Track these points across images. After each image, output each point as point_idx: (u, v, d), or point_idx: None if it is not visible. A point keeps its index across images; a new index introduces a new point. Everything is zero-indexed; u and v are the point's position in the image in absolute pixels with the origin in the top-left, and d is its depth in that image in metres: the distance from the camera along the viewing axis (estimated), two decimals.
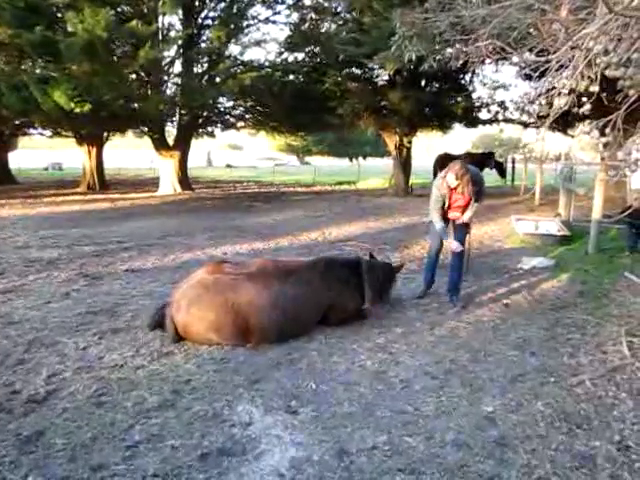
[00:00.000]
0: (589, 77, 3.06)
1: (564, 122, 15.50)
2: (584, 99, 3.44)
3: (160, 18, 16.45)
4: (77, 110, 13.27)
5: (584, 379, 3.51)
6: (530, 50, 4.34)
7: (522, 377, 3.60)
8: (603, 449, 2.71)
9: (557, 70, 3.43)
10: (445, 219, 5.35)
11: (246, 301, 4.08)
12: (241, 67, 18.44)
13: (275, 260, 5.04)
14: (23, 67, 14.97)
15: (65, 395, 3.31)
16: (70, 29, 13.79)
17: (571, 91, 3.18)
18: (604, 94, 3.39)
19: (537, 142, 4.86)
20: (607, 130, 3.06)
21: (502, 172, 20.69)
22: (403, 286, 5.96)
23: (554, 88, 3.34)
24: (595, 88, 3.06)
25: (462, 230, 5.41)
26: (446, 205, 5.25)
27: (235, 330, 4.07)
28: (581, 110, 3.17)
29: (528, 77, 12.35)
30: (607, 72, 2.92)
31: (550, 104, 3.62)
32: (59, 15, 14.62)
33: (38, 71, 14.78)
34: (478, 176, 5.25)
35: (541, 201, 14.06)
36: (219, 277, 4.24)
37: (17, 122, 20.34)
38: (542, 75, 3.81)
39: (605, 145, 3.42)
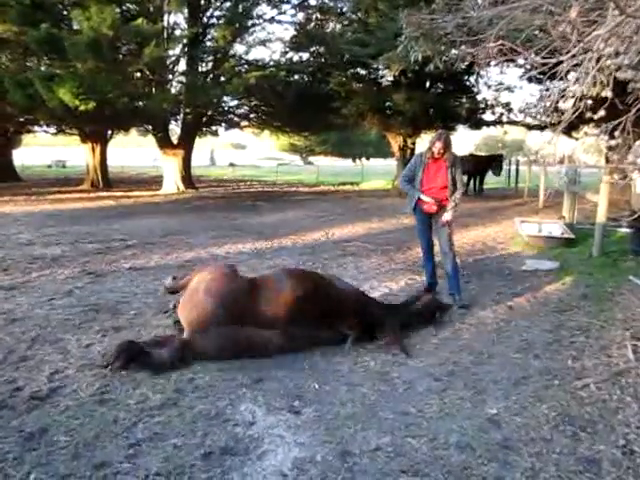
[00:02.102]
0: (601, 81, 3.04)
1: (569, 125, 15.47)
2: (589, 102, 3.43)
3: (165, 16, 16.50)
4: (82, 108, 13.29)
5: (588, 382, 3.50)
6: (537, 52, 4.32)
7: (526, 380, 3.58)
8: (608, 453, 2.69)
9: (567, 73, 3.41)
10: (420, 207, 5.34)
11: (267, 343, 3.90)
12: (246, 66, 18.47)
13: (305, 283, 4.20)
14: (28, 64, 15.04)
15: (68, 392, 3.31)
16: (76, 27, 13.86)
17: (582, 96, 3.16)
18: (615, 97, 3.37)
19: (548, 146, 4.84)
20: (616, 133, 3.05)
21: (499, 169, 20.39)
22: (407, 287, 5.96)
23: (564, 91, 3.32)
24: (608, 93, 3.04)
25: (446, 233, 5.33)
26: (418, 180, 5.24)
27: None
28: (595, 116, 3.14)
29: (535, 79, 12.33)
30: (618, 74, 2.90)
31: (556, 108, 3.60)
32: (65, 12, 14.67)
33: (43, 68, 14.86)
34: (457, 158, 5.29)
35: (545, 203, 14.03)
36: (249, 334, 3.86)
37: (21, 119, 20.38)
38: (550, 78, 3.80)
39: (612, 148, 3.39)
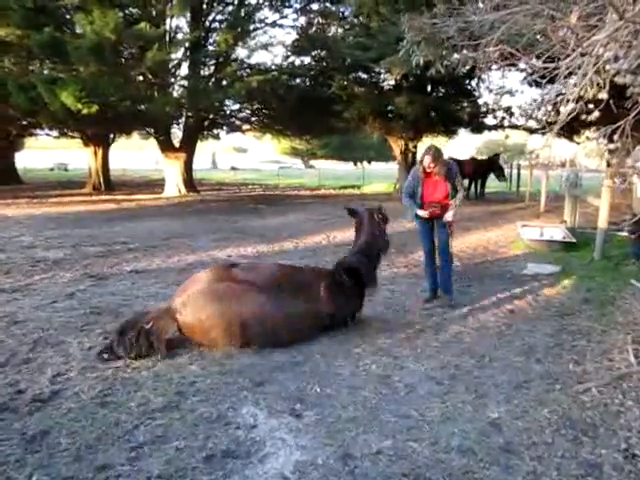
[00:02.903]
0: (598, 84, 3.05)
1: (570, 128, 15.50)
2: (590, 106, 3.44)
3: (168, 20, 16.56)
4: (84, 111, 13.34)
5: (590, 386, 3.49)
6: (538, 57, 4.33)
7: (527, 383, 3.58)
8: (609, 457, 2.69)
9: (566, 77, 3.42)
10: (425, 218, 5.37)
11: (251, 312, 4.07)
12: (248, 70, 18.51)
13: (285, 268, 4.79)
14: (31, 68, 15.08)
15: (70, 395, 3.32)
16: (79, 30, 13.91)
17: (579, 98, 3.17)
18: (612, 101, 3.38)
19: (544, 148, 4.85)
20: (615, 137, 3.06)
21: (502, 175, 19.89)
22: (409, 291, 5.96)
23: (562, 95, 3.34)
24: (604, 95, 3.06)
25: (444, 230, 5.35)
26: (419, 194, 5.27)
27: (239, 335, 4.06)
28: (589, 118, 3.16)
29: (535, 83, 12.34)
30: (617, 79, 2.92)
31: (557, 111, 3.61)
32: (68, 16, 14.73)
33: (46, 72, 14.90)
34: (455, 167, 5.28)
35: (546, 207, 14.02)
36: (228, 285, 4.18)
37: (24, 122, 20.45)
38: (550, 81, 3.81)
39: (612, 152, 3.40)
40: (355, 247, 4.81)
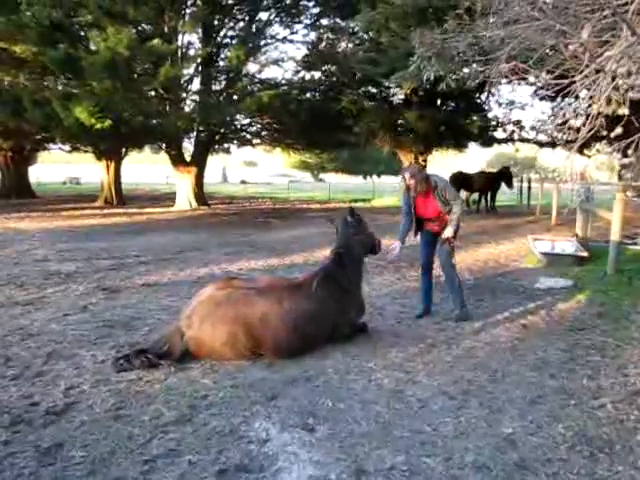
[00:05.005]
0: (616, 100, 3.05)
1: (581, 142, 15.44)
2: (603, 120, 3.43)
3: (180, 37, 16.82)
4: (97, 126, 13.52)
5: (605, 402, 3.45)
6: (549, 71, 4.35)
7: (541, 399, 3.55)
8: (626, 474, 2.65)
9: (578, 92, 3.43)
10: (422, 229, 5.44)
11: (258, 314, 4.15)
12: (259, 85, 18.70)
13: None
14: (46, 83, 15.33)
15: (83, 408, 3.33)
16: (93, 47, 14.16)
17: (598, 114, 3.17)
18: (633, 117, 3.38)
19: (563, 164, 4.83)
20: (629, 151, 3.05)
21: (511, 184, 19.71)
22: (419, 304, 5.94)
23: (576, 110, 3.34)
24: (625, 111, 3.05)
25: (445, 250, 5.32)
26: (413, 212, 5.30)
27: (248, 343, 4.11)
28: (613, 134, 3.15)
29: (547, 97, 12.35)
30: (630, 94, 2.92)
31: (569, 126, 3.61)
32: (82, 33, 15.01)
33: (60, 87, 15.13)
34: (441, 182, 5.17)
35: (558, 221, 13.95)
36: (231, 292, 4.30)
37: (38, 137, 20.74)
38: (563, 96, 3.82)
39: (626, 166, 3.40)
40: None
